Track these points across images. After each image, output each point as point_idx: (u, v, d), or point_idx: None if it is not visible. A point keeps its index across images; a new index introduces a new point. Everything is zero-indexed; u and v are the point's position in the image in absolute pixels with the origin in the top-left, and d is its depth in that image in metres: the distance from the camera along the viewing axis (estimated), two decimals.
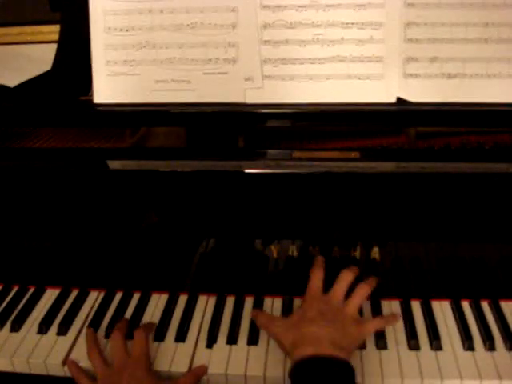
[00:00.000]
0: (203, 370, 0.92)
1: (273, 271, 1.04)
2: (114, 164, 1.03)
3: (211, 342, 0.97)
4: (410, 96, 0.97)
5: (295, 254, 1.02)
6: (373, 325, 0.91)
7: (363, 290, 0.93)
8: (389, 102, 0.98)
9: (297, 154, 1.01)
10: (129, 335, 0.96)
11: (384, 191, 0.96)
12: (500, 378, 0.87)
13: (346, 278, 0.94)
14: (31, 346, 0.98)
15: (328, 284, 1.03)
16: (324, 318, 0.87)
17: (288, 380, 0.85)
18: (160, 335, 0.99)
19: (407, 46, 0.96)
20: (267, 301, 1.05)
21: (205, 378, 0.92)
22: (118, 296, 1.08)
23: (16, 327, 1.01)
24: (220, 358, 0.93)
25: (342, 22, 0.96)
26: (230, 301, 1.05)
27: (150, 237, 1.04)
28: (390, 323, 0.94)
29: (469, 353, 0.92)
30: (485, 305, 1.01)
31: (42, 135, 1.14)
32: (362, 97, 0.98)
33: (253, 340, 0.96)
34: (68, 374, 0.94)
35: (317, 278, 0.95)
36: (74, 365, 0.93)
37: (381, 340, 0.94)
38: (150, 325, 1.00)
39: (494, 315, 0.99)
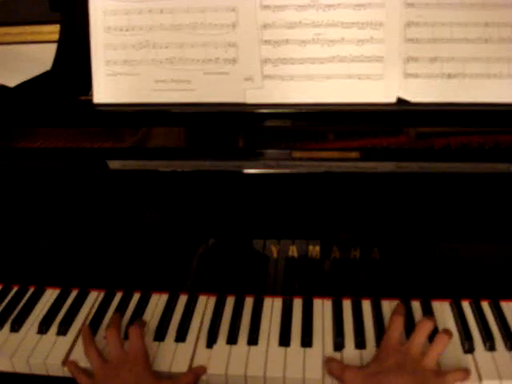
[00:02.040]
0: (203, 369, 0.92)
1: (273, 271, 1.04)
2: (114, 164, 1.03)
3: (211, 342, 0.97)
4: (410, 96, 0.97)
5: (295, 254, 1.02)
6: (453, 377, 0.86)
7: (443, 341, 0.89)
8: (389, 101, 0.98)
9: (297, 154, 1.01)
10: (125, 336, 0.97)
11: (384, 191, 0.96)
12: (500, 378, 0.87)
13: (425, 328, 0.90)
14: (31, 346, 0.97)
15: (330, 283, 1.04)
16: (403, 369, 0.84)
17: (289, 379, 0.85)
18: (160, 335, 0.99)
19: (407, 46, 0.96)
20: (267, 301, 1.05)
21: (205, 377, 0.91)
22: (118, 296, 1.08)
23: (16, 327, 1.01)
24: (220, 358, 0.93)
25: (342, 22, 0.96)
26: (230, 301, 1.05)
27: (150, 237, 1.04)
28: (469, 376, 0.88)
29: (469, 353, 0.92)
30: (485, 305, 1.01)
31: (41, 135, 1.14)
32: (362, 97, 0.98)
33: (253, 340, 0.96)
34: (68, 374, 0.94)
35: (396, 327, 0.92)
36: (73, 364, 0.93)
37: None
38: (141, 321, 1.00)
39: (494, 315, 0.99)
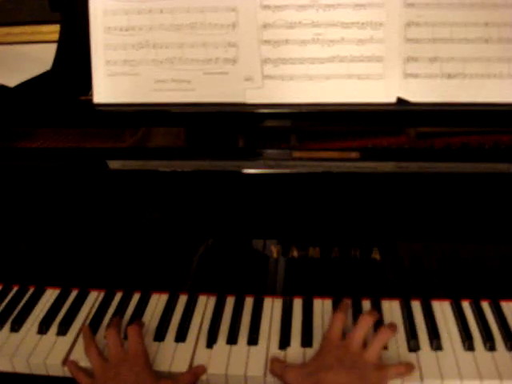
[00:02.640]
0: (202, 369, 0.92)
1: (273, 271, 1.04)
2: (114, 164, 1.03)
3: (211, 342, 0.97)
4: (410, 96, 0.97)
5: (295, 254, 1.02)
6: (394, 371, 0.87)
7: (384, 335, 0.90)
8: (389, 101, 0.98)
9: (297, 154, 1.01)
10: (125, 336, 0.97)
11: (384, 191, 0.96)
12: (500, 378, 0.87)
13: (366, 322, 0.91)
14: (31, 346, 0.97)
15: (330, 283, 1.04)
16: (342, 364, 0.85)
17: None
18: (160, 335, 0.99)
19: (407, 46, 0.96)
20: (267, 301, 1.05)
21: (205, 377, 0.91)
22: (118, 296, 1.08)
23: (16, 327, 1.01)
24: (220, 358, 0.93)
25: (342, 22, 0.96)
26: (230, 301, 1.05)
27: (150, 237, 1.04)
28: (411, 371, 0.88)
29: (469, 353, 0.92)
30: (485, 305, 1.01)
31: (41, 135, 1.14)
32: (362, 97, 0.98)
33: (253, 340, 0.96)
34: (68, 374, 0.94)
35: (338, 323, 0.92)
36: (73, 364, 0.93)
37: None
38: (140, 321, 1.00)
39: (494, 315, 0.99)
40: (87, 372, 0.92)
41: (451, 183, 0.93)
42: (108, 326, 0.98)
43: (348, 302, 0.99)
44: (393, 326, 0.92)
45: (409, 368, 0.88)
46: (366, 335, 0.90)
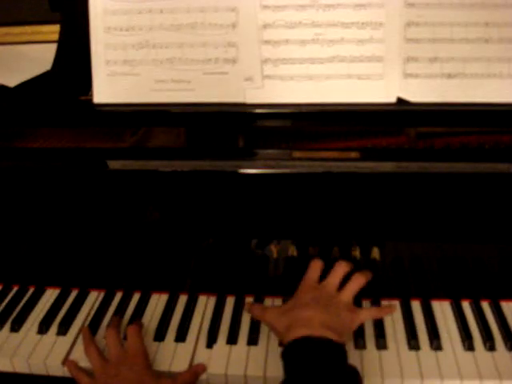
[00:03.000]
0: (202, 367, 0.92)
1: (273, 271, 1.04)
2: (114, 164, 1.03)
3: (211, 342, 0.97)
4: (410, 96, 0.97)
5: (295, 254, 1.02)
6: (367, 313, 0.94)
7: (358, 280, 0.94)
8: (389, 101, 0.98)
9: (297, 154, 1.01)
10: (124, 337, 0.97)
11: (384, 191, 0.96)
12: (500, 378, 0.87)
13: (341, 268, 0.95)
14: (31, 346, 0.98)
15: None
16: (318, 302, 0.89)
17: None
18: (160, 335, 0.99)
19: (407, 46, 0.96)
20: (267, 301, 1.05)
21: (205, 377, 0.92)
22: (118, 296, 1.08)
23: (16, 327, 1.01)
24: (220, 358, 0.93)
25: (342, 22, 0.96)
26: (230, 301, 1.05)
27: (150, 237, 1.04)
28: (385, 313, 0.96)
29: (469, 353, 0.92)
30: (485, 305, 1.01)
31: (41, 135, 1.14)
32: (362, 97, 0.98)
33: (253, 340, 0.96)
34: (68, 374, 0.94)
35: (314, 268, 0.96)
36: (73, 364, 0.94)
37: (381, 340, 0.94)
38: (139, 321, 1.00)
39: (494, 315, 0.99)
40: (87, 372, 0.92)
41: (451, 183, 0.93)
42: (108, 326, 0.98)
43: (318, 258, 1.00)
44: (367, 272, 0.96)
45: (384, 310, 0.95)
46: (341, 280, 0.93)
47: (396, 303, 1.02)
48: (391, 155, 1.01)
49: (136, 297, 1.08)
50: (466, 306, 1.01)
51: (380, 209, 0.97)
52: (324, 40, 0.97)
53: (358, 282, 0.93)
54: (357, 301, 1.02)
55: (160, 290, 1.08)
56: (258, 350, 0.95)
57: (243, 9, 0.98)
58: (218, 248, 1.03)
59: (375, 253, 1.00)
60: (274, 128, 1.06)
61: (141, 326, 0.98)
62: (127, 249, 1.06)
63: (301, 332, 0.83)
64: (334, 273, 0.95)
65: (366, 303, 1.03)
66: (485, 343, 0.93)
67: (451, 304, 1.02)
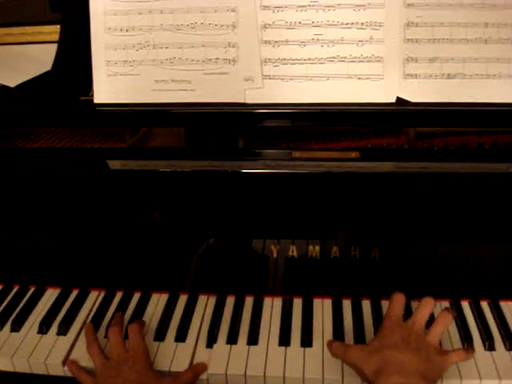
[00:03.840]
0: (203, 367, 0.92)
1: (273, 271, 1.04)
2: (114, 164, 1.03)
3: (211, 341, 0.97)
4: (410, 96, 0.97)
5: (295, 254, 1.02)
6: (455, 356, 0.87)
7: (445, 319, 0.89)
8: (388, 102, 0.98)
9: (297, 153, 1.01)
10: (125, 336, 0.97)
11: (384, 191, 0.96)
12: (499, 377, 0.87)
13: (429, 305, 0.90)
14: (31, 346, 0.98)
15: (330, 283, 1.04)
16: (407, 345, 0.84)
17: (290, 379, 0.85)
18: (160, 335, 0.99)
19: (407, 46, 0.96)
20: (267, 301, 1.05)
21: (205, 377, 0.92)
22: (119, 296, 1.08)
23: (16, 327, 1.01)
24: (220, 358, 0.94)
25: (342, 23, 0.96)
26: (230, 301, 1.05)
27: (150, 237, 1.04)
28: (471, 357, 0.89)
29: None
30: (484, 305, 1.01)
31: (42, 135, 1.15)
32: (362, 97, 0.98)
33: (253, 340, 0.96)
34: (68, 374, 0.94)
35: (399, 304, 0.91)
36: (74, 363, 0.94)
37: None
38: (140, 320, 1.00)
39: (493, 315, 0.99)
40: (88, 371, 0.92)
41: (451, 183, 0.94)
42: (110, 323, 0.98)
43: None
44: (451, 310, 0.92)
45: (469, 354, 0.89)
46: (428, 319, 0.89)
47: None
48: (391, 155, 1.01)
49: (136, 297, 1.08)
50: (465, 305, 1.02)
51: (380, 209, 0.97)
52: (324, 40, 0.97)
53: (445, 323, 0.89)
54: (357, 301, 1.03)
55: (160, 289, 1.09)
56: (257, 350, 0.95)
57: (243, 9, 0.98)
58: (217, 248, 1.03)
59: (375, 253, 1.00)
60: (274, 128, 1.06)
61: (142, 324, 0.98)
62: (127, 249, 1.06)
63: (394, 380, 0.78)
64: (421, 310, 0.89)
65: (365, 303, 1.03)
66: (484, 343, 0.93)
67: (451, 304, 1.02)
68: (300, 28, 0.97)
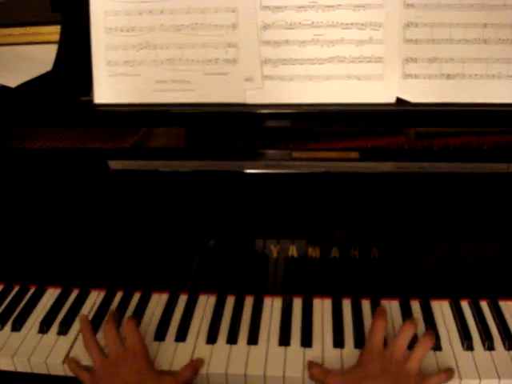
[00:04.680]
0: (201, 362, 0.92)
1: (273, 271, 1.05)
2: (115, 164, 1.04)
3: (211, 341, 0.97)
4: (410, 96, 0.98)
5: (295, 254, 1.02)
6: (436, 380, 0.86)
7: (425, 345, 0.88)
8: (388, 102, 0.98)
9: (297, 154, 1.01)
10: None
11: (384, 191, 0.96)
12: (499, 377, 0.88)
13: (408, 331, 0.90)
14: (32, 346, 0.98)
15: (330, 283, 1.04)
16: (387, 375, 0.84)
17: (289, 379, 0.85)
18: (160, 335, 0.99)
19: (406, 47, 0.96)
20: (267, 300, 1.05)
21: (205, 376, 0.92)
22: (119, 296, 1.09)
23: (17, 327, 1.02)
24: (220, 358, 0.94)
25: (342, 23, 0.97)
26: (230, 301, 1.05)
27: (151, 237, 1.04)
28: (452, 377, 0.88)
29: (468, 352, 0.93)
30: (484, 304, 1.01)
31: (42, 135, 1.15)
32: (362, 97, 0.98)
33: (253, 340, 0.97)
34: (69, 374, 0.94)
35: (379, 330, 0.91)
36: (74, 361, 0.94)
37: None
38: (132, 317, 1.00)
39: (492, 315, 0.99)
40: (88, 369, 0.92)
41: (450, 183, 0.94)
42: (105, 321, 0.97)
43: (385, 308, 0.97)
44: (432, 334, 0.91)
45: (449, 375, 0.88)
46: (408, 344, 0.89)
47: (397, 307, 1.02)
48: (391, 155, 1.02)
49: (136, 296, 1.08)
50: (465, 305, 1.02)
51: (380, 209, 0.97)
52: (324, 40, 0.97)
53: (425, 347, 0.88)
54: (356, 301, 1.03)
55: (160, 289, 1.09)
56: (257, 350, 0.95)
57: (243, 9, 0.98)
58: (217, 248, 1.03)
59: (375, 253, 1.00)
60: (274, 128, 1.06)
61: (136, 321, 0.98)
62: (128, 249, 1.06)
63: None
64: (401, 336, 0.89)
65: (365, 303, 1.03)
66: (484, 343, 0.94)
67: (450, 304, 1.02)
68: (300, 28, 0.97)
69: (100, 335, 0.98)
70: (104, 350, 0.94)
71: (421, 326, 0.97)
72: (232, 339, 0.97)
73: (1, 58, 1.32)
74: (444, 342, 0.94)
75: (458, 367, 0.90)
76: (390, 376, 0.84)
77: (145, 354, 0.91)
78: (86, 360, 0.94)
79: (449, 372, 0.88)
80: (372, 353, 0.88)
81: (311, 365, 0.90)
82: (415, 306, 1.02)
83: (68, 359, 0.95)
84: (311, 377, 0.89)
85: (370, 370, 0.85)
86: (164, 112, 1.03)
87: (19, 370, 0.97)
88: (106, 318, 0.99)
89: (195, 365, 0.92)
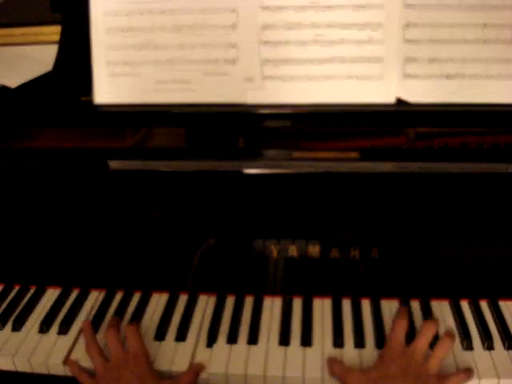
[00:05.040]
0: (202, 366, 0.92)
1: (273, 271, 1.05)
2: (115, 164, 1.04)
3: (211, 341, 0.97)
4: (410, 96, 0.98)
5: (295, 254, 1.02)
6: (455, 380, 0.86)
7: (446, 345, 0.89)
8: (388, 102, 0.98)
9: (297, 154, 1.01)
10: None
11: (384, 191, 0.96)
12: (498, 377, 0.88)
13: (429, 331, 0.90)
14: (32, 346, 0.98)
15: (330, 283, 1.04)
16: (407, 375, 0.84)
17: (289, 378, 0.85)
18: (160, 335, 0.99)
19: (406, 47, 0.96)
20: (267, 300, 1.05)
21: (205, 376, 0.92)
22: (119, 296, 1.09)
23: (17, 327, 1.02)
24: (220, 358, 0.94)
25: (342, 23, 0.96)
26: (230, 301, 1.05)
27: (151, 237, 1.04)
28: (471, 377, 0.88)
29: (468, 352, 0.93)
30: (484, 304, 1.02)
31: (42, 135, 1.14)
32: (362, 97, 0.98)
33: (253, 339, 0.97)
34: (69, 374, 0.94)
35: (400, 330, 0.90)
36: (75, 363, 0.94)
37: (380, 340, 0.94)
38: (135, 321, 1.01)
39: (492, 315, 0.99)
40: (89, 372, 0.92)
41: (450, 183, 0.94)
42: (107, 327, 0.98)
43: (406, 308, 0.98)
44: (452, 335, 0.91)
45: (469, 374, 0.87)
46: (429, 345, 0.89)
47: (397, 307, 1.02)
48: (390, 155, 1.02)
49: (136, 296, 1.08)
50: (464, 305, 1.02)
51: (380, 209, 0.97)
52: (324, 41, 0.97)
53: (446, 348, 0.88)
54: (356, 300, 1.03)
55: (160, 289, 1.09)
56: (257, 350, 0.95)
57: (243, 10, 0.98)
58: (218, 248, 1.03)
59: (375, 252, 1.00)
60: (275, 128, 1.07)
61: (138, 324, 0.98)
62: (128, 249, 1.07)
63: None
64: (422, 337, 0.89)
65: (365, 302, 1.03)
66: (483, 342, 0.94)
67: (450, 304, 1.02)
68: (300, 28, 0.97)
69: (100, 336, 0.99)
70: (105, 350, 0.94)
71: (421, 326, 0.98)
72: (232, 339, 0.97)
73: (1, 58, 1.32)
74: None
75: (457, 367, 0.90)
76: (409, 376, 0.84)
77: (146, 357, 0.91)
78: (86, 361, 0.94)
79: (469, 372, 0.88)
80: (393, 353, 0.88)
81: (332, 361, 0.91)
82: (415, 305, 1.02)
83: (69, 362, 0.95)
84: (331, 373, 0.89)
85: (390, 369, 0.85)
86: (164, 112, 1.03)
87: (19, 369, 0.97)
88: (107, 324, 0.99)
89: (196, 369, 0.92)
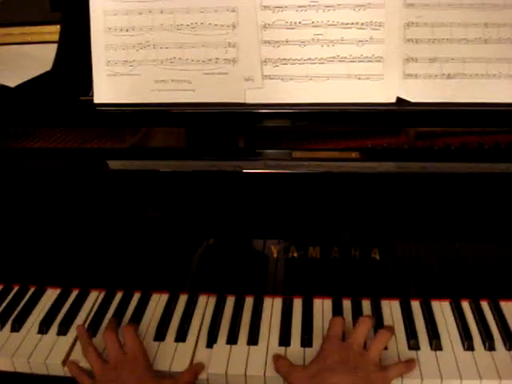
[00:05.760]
0: (201, 366, 0.92)
1: (273, 271, 1.04)
2: (115, 164, 1.03)
3: (211, 341, 0.97)
4: (410, 96, 0.97)
5: (295, 254, 1.02)
6: (396, 371, 0.87)
7: (384, 336, 0.90)
8: (388, 102, 0.98)
9: (297, 154, 1.01)
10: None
11: (384, 191, 0.96)
12: (499, 377, 0.88)
13: (366, 324, 0.91)
14: (32, 346, 0.98)
15: (330, 283, 1.04)
16: (346, 365, 0.85)
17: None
18: (160, 335, 0.99)
19: (407, 47, 0.96)
20: (267, 301, 1.05)
21: (205, 377, 0.92)
22: (119, 296, 1.09)
23: (16, 327, 1.01)
24: (220, 358, 0.94)
25: (342, 23, 0.96)
26: (230, 301, 1.05)
27: (151, 237, 1.04)
28: (412, 368, 0.89)
29: (468, 353, 0.93)
30: (484, 305, 1.01)
31: (42, 135, 1.14)
32: (362, 97, 0.98)
33: (253, 340, 0.96)
34: (68, 374, 0.94)
35: (337, 323, 0.92)
36: (74, 365, 0.94)
37: None
38: (132, 322, 1.01)
39: (493, 315, 0.99)
40: (88, 373, 0.92)
41: (450, 183, 0.94)
42: (105, 328, 0.97)
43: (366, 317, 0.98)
44: (391, 328, 0.94)
45: (409, 366, 0.89)
46: (367, 336, 0.90)
47: (397, 307, 1.02)
48: (391, 155, 1.01)
49: (136, 297, 1.08)
50: (465, 305, 1.02)
51: (380, 209, 0.97)
52: (324, 40, 0.97)
53: (384, 338, 0.90)
54: (356, 301, 1.03)
55: (160, 289, 1.09)
56: (257, 350, 0.95)
57: (243, 9, 0.98)
58: (218, 248, 1.03)
59: (375, 253, 1.00)
60: (274, 128, 1.06)
61: (134, 326, 0.98)
62: (127, 249, 1.06)
63: None
64: (358, 329, 0.90)
65: (365, 303, 1.03)
66: (484, 343, 0.94)
67: (451, 304, 1.02)
68: (300, 28, 0.97)
69: (99, 336, 0.98)
70: (103, 354, 0.94)
71: (421, 326, 0.97)
72: (232, 339, 0.97)
73: (1, 58, 1.32)
74: (444, 342, 0.94)
75: (458, 367, 0.90)
76: (348, 367, 0.85)
77: (145, 358, 0.91)
78: (85, 361, 0.94)
79: (409, 364, 0.89)
80: (330, 346, 0.89)
81: (277, 358, 0.92)
82: (416, 306, 1.02)
83: (69, 363, 0.94)
84: (276, 369, 0.90)
85: (328, 362, 0.86)
86: (164, 112, 1.03)
87: (19, 370, 0.96)
88: (106, 326, 0.98)
89: (195, 369, 0.92)
